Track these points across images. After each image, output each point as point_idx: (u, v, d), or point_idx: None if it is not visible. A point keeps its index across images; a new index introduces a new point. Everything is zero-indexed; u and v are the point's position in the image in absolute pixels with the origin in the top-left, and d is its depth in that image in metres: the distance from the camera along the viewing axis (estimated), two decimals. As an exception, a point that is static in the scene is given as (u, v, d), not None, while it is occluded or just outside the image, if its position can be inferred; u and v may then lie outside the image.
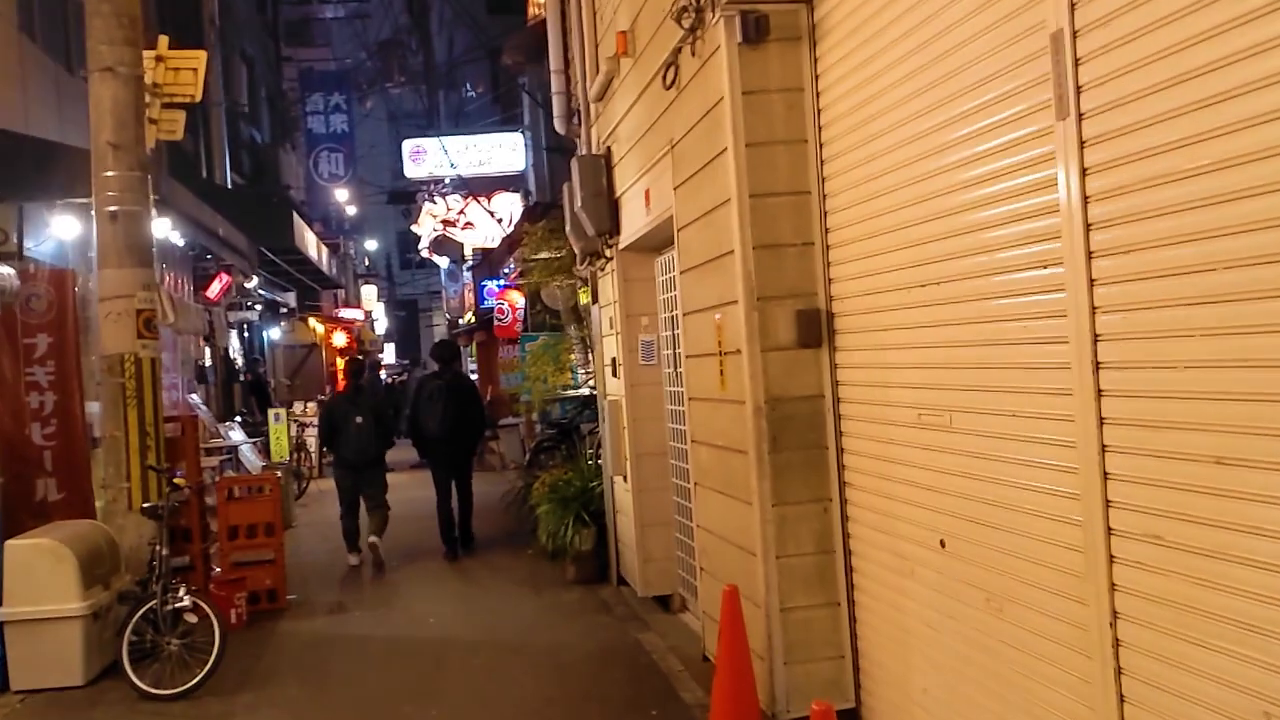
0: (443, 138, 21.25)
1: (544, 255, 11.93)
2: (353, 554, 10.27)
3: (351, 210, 24.39)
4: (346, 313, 31.37)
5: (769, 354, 4.82)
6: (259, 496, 8.89)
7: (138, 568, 7.40)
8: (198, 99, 8.78)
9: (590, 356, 15.01)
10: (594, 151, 8.13)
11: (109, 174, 8.07)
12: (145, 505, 7.18)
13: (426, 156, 21.49)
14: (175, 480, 7.15)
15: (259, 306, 16.93)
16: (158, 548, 6.96)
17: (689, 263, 5.78)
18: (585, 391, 13.24)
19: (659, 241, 7.23)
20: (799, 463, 4.83)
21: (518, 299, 20.29)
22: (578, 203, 7.87)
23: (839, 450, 4.82)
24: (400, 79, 31.91)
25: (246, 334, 20.16)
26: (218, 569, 8.58)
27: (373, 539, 10.28)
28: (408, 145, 21.62)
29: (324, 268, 19.69)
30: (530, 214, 12.31)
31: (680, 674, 6.28)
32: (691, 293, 5.80)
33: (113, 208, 8.07)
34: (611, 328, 8.22)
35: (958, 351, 3.74)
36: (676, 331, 7.01)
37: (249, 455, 13.75)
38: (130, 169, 8.14)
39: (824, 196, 4.76)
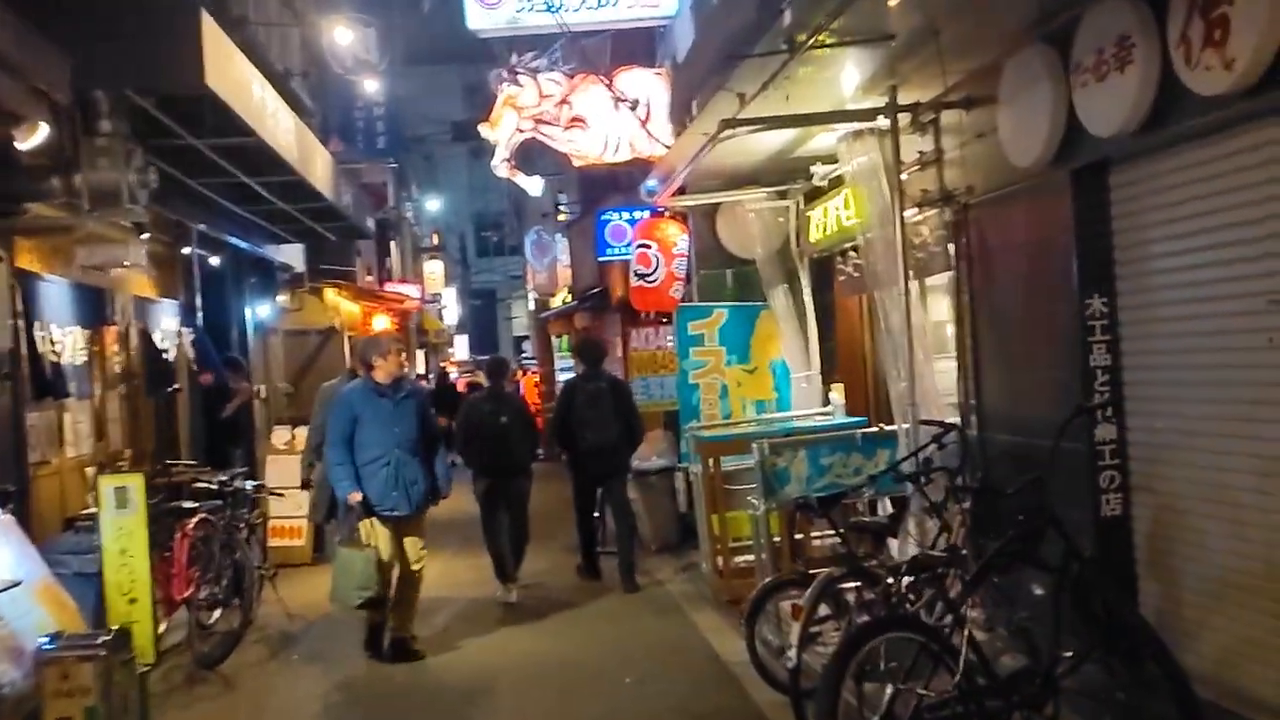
0: (534, -45, 12.01)
1: None
2: (505, 587, 8.67)
3: (373, 85, 15.32)
4: (395, 287, 22.42)
5: None
6: None
7: None
8: None
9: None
10: None
11: None
12: None
13: (505, -1, 12.26)
14: None
15: (142, 230, 7.86)
16: None
17: None
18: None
19: None
20: None
21: (677, 235, 11.08)
22: None
23: None
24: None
25: (200, 302, 11.20)
26: None
27: (508, 596, 8.63)
28: (471, -27, 12.42)
29: (321, 186, 10.76)
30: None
31: None
32: None
33: None
34: None
35: None
36: None
37: (20, 611, 4.73)
38: None
39: None
